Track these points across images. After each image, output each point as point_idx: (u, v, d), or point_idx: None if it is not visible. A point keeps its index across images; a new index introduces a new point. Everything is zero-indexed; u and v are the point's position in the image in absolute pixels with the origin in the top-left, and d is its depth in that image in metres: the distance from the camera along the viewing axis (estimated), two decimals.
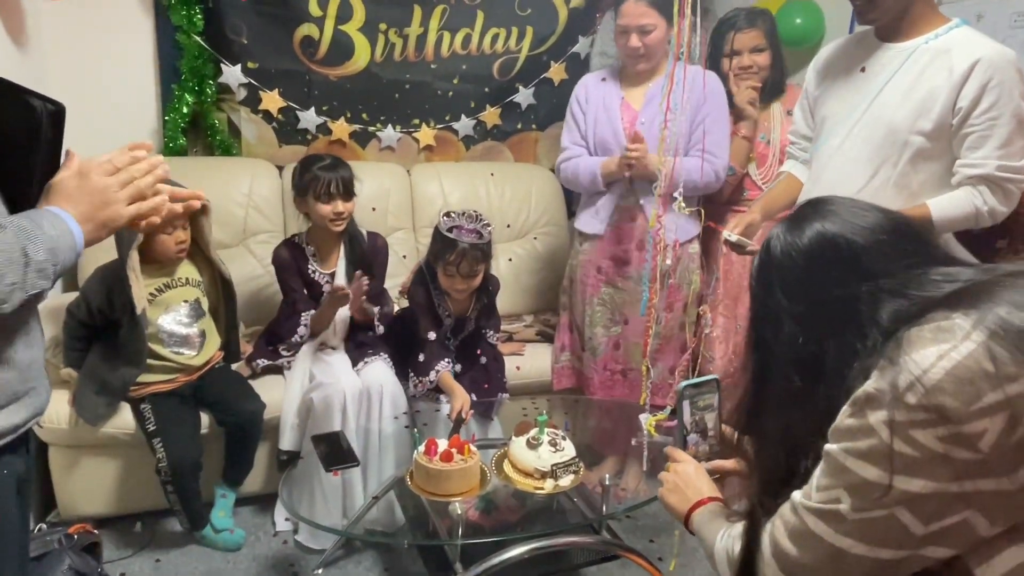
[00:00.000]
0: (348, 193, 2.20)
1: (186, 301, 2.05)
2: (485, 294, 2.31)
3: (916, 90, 1.65)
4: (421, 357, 2.19)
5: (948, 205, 1.65)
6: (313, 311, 2.24)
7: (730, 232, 1.82)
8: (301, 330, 2.25)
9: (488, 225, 2.16)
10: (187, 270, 2.08)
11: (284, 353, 2.27)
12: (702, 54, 2.59)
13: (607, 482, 1.77)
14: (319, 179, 2.16)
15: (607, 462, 2.41)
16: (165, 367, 2.03)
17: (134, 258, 1.88)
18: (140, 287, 1.89)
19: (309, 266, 2.28)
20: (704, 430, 1.27)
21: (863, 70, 1.76)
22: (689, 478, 1.16)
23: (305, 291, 2.28)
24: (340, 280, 2.28)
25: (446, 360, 2.19)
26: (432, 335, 2.20)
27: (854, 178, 1.75)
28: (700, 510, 1.12)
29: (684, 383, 1.25)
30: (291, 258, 2.27)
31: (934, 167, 1.69)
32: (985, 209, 1.64)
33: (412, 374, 2.21)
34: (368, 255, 2.33)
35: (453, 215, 2.16)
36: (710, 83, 2.22)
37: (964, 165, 1.64)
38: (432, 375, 2.16)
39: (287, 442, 2.12)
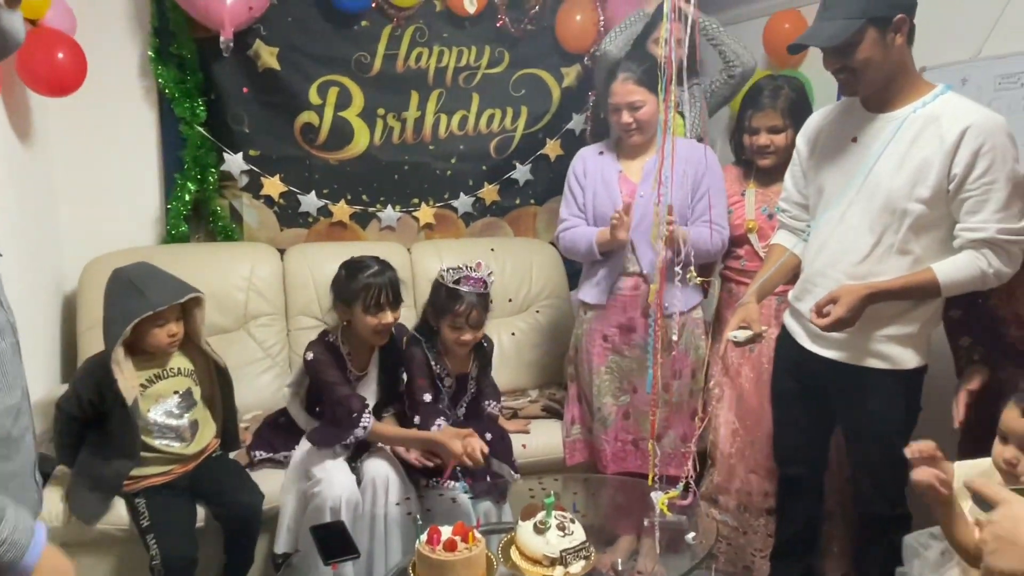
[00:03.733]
0: (397, 301, 2.09)
1: (176, 392, 2.01)
2: (481, 349, 2.31)
3: (910, 159, 1.66)
4: (417, 420, 2.13)
5: (953, 269, 1.65)
6: (368, 415, 2.06)
7: (734, 333, 1.84)
8: (364, 423, 2.04)
9: (491, 273, 2.19)
10: (178, 360, 2.04)
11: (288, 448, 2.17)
12: (703, 126, 2.64)
13: (620, 567, 1.68)
14: (370, 289, 2.03)
15: (621, 542, 2.31)
16: (159, 459, 1.97)
17: (119, 352, 1.85)
18: (127, 379, 1.85)
19: (346, 365, 2.16)
20: None
21: (855, 140, 1.78)
22: None
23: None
24: (371, 383, 2.20)
25: (442, 419, 2.12)
26: (428, 396, 2.15)
27: (858, 247, 1.76)
28: None
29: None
30: (330, 355, 2.13)
31: (935, 232, 1.70)
32: (991, 271, 1.63)
33: None
34: (401, 357, 2.22)
35: (455, 269, 2.16)
36: (708, 156, 2.25)
37: (965, 229, 1.65)
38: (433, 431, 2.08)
39: (282, 544, 2.03)
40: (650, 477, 1.76)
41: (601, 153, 2.40)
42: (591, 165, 2.38)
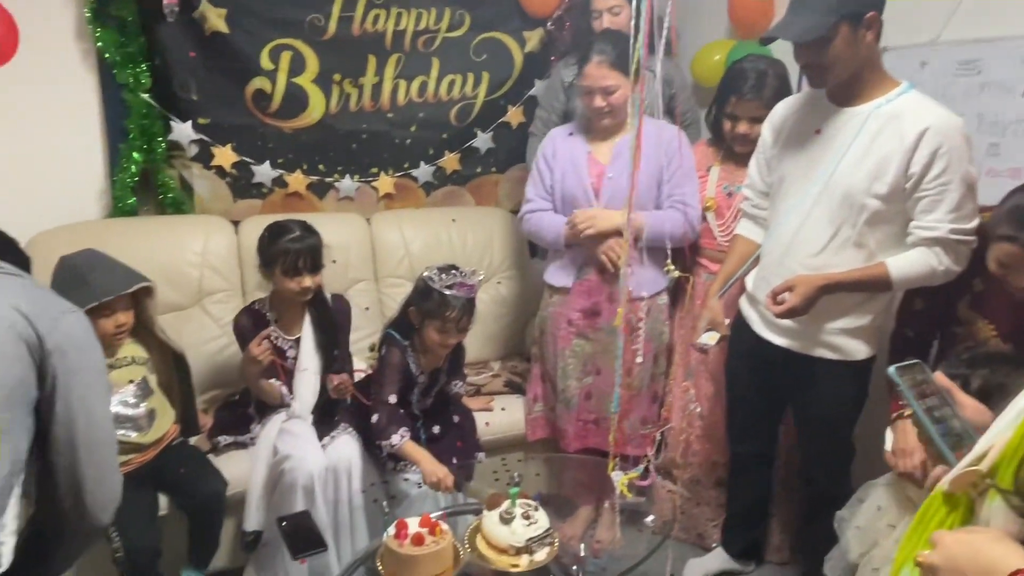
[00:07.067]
0: (316, 267, 2.12)
1: (132, 381, 1.96)
2: (458, 348, 2.29)
3: (870, 155, 1.68)
4: (375, 418, 2.10)
5: (906, 264, 1.70)
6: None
7: (704, 342, 1.93)
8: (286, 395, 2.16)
9: (480, 276, 2.18)
10: (131, 349, 1.98)
11: (251, 429, 2.17)
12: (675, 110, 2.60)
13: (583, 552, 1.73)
14: (288, 253, 2.07)
15: (580, 513, 2.39)
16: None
17: None
18: None
19: (272, 333, 2.18)
20: (956, 434, 0.85)
21: (818, 132, 1.79)
22: (976, 549, 0.70)
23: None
24: (308, 347, 2.20)
25: (405, 429, 2.10)
26: (393, 399, 2.14)
27: (816, 238, 1.78)
28: None
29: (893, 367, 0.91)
30: (253, 327, 2.17)
31: (889, 228, 1.73)
32: (941, 269, 1.68)
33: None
34: (334, 321, 2.25)
35: (445, 274, 2.10)
36: (679, 137, 2.23)
37: (919, 227, 1.69)
38: (395, 439, 2.07)
39: (252, 522, 2.03)
40: (610, 465, 1.80)
41: (571, 134, 2.37)
42: (561, 146, 2.35)
